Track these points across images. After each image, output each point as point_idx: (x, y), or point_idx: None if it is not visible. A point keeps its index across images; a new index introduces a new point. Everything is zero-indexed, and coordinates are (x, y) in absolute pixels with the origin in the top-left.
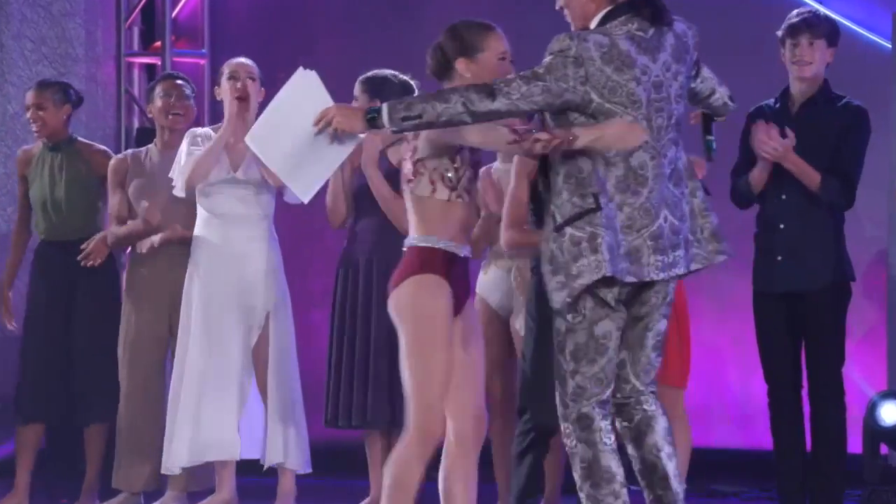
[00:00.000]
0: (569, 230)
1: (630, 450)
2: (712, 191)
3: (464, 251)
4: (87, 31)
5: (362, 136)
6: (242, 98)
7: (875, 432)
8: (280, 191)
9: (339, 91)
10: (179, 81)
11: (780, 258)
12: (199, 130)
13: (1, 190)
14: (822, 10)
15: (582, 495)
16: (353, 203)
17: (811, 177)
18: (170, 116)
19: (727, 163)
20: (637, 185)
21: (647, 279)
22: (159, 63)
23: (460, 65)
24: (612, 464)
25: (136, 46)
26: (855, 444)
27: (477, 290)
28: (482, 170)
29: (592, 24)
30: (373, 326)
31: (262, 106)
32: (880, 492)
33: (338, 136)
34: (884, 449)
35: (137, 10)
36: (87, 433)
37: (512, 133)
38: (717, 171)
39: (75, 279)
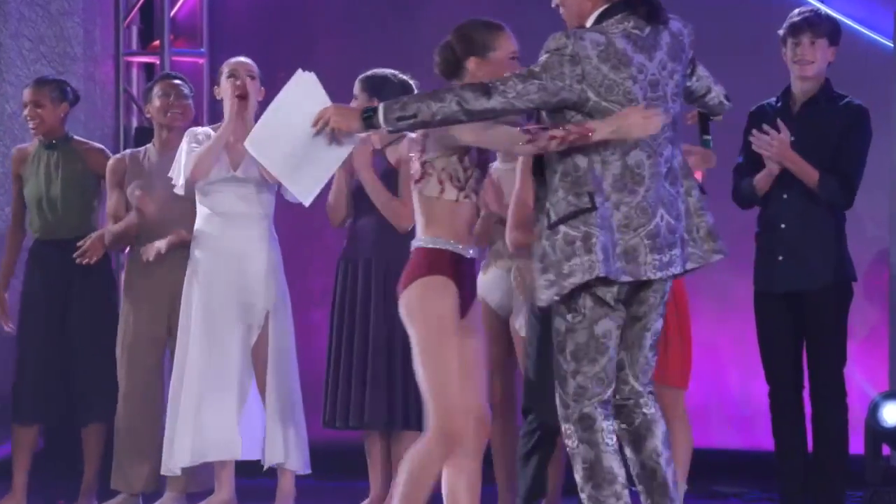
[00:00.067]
0: (563, 228)
1: (628, 453)
2: (712, 190)
3: (470, 252)
4: (86, 30)
5: (361, 135)
6: (242, 96)
7: (877, 433)
8: (280, 189)
9: (338, 91)
10: (177, 81)
11: (781, 258)
12: (199, 129)
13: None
14: (824, 9)
15: (583, 496)
16: (352, 202)
17: (809, 175)
18: (168, 115)
19: (727, 162)
20: (634, 184)
21: (645, 278)
22: (158, 62)
23: (471, 64)
24: (614, 465)
25: (134, 46)
26: (857, 444)
27: (477, 290)
28: None
29: (588, 23)
30: (371, 326)
31: (262, 105)
32: (882, 493)
33: (336, 137)
34: (886, 450)
35: (136, 9)
36: (86, 433)
37: (525, 133)
38: (717, 170)
39: (71, 278)
